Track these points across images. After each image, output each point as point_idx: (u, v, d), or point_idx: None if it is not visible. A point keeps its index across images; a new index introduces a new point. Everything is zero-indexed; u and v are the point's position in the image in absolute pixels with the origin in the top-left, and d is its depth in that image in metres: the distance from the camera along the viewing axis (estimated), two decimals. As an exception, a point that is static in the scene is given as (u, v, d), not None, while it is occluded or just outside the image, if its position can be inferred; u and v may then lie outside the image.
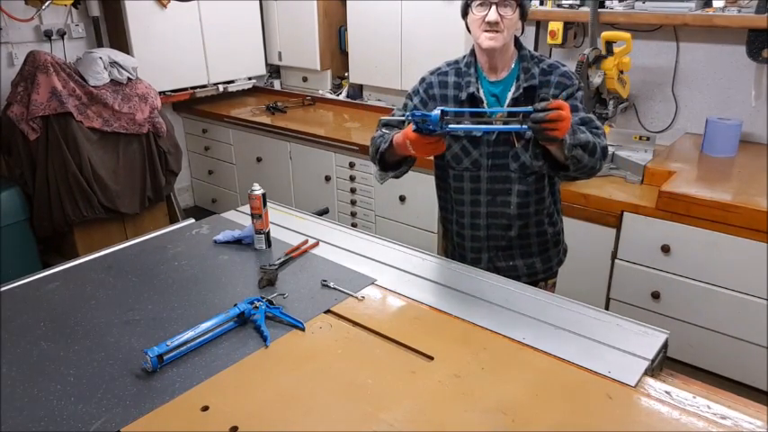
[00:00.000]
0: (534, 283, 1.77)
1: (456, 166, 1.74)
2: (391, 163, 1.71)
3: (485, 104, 1.68)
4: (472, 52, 1.71)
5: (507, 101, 1.68)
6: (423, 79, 1.78)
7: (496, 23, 1.57)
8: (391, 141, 1.61)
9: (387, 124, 1.77)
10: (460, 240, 1.85)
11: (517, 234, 1.77)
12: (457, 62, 1.76)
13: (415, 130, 1.45)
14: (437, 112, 1.40)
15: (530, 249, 1.81)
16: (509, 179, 1.71)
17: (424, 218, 3.16)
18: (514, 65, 1.69)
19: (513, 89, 1.67)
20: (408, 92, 1.81)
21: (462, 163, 1.73)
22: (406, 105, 1.79)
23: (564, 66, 1.70)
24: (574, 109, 1.64)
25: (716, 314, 2.33)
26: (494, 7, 1.56)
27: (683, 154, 2.71)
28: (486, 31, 1.59)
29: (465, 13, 1.65)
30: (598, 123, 1.66)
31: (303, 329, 1.43)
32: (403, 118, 1.64)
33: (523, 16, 1.63)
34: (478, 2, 1.59)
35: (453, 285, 1.63)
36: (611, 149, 2.73)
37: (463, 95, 1.68)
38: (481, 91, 1.68)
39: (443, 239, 2.00)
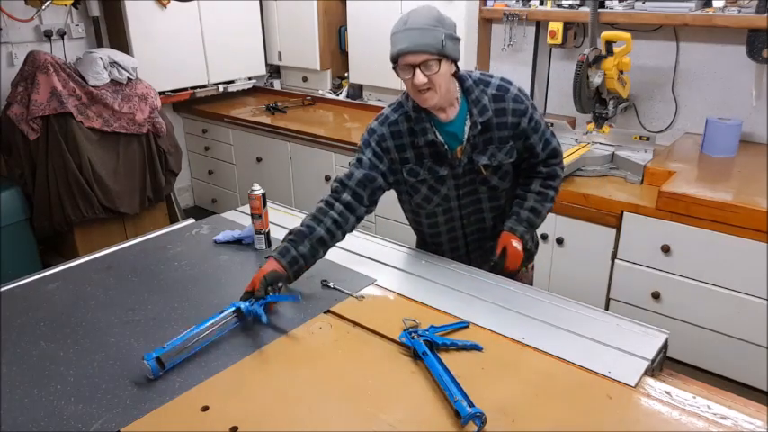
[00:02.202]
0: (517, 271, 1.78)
1: (427, 206, 1.73)
2: None
3: (445, 147, 1.62)
4: None
5: (465, 136, 1.61)
6: (372, 131, 1.66)
7: (424, 84, 1.49)
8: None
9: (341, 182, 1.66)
10: (441, 254, 1.84)
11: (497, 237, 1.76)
12: (401, 105, 1.65)
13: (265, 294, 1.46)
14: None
15: None
16: (480, 200, 1.72)
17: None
18: (461, 99, 1.61)
19: (468, 126, 1.60)
20: (359, 144, 1.68)
21: (432, 201, 1.71)
22: (360, 160, 1.65)
23: (510, 84, 1.63)
24: (534, 131, 1.66)
25: (716, 314, 2.33)
26: (417, 70, 1.48)
27: (682, 154, 2.71)
28: (419, 91, 1.51)
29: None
30: (551, 131, 1.71)
31: (300, 302, 1.51)
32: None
33: (454, 61, 1.53)
34: (400, 66, 1.50)
35: (453, 285, 1.63)
36: (611, 149, 2.74)
37: (421, 141, 1.62)
38: (438, 135, 1.61)
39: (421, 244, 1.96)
